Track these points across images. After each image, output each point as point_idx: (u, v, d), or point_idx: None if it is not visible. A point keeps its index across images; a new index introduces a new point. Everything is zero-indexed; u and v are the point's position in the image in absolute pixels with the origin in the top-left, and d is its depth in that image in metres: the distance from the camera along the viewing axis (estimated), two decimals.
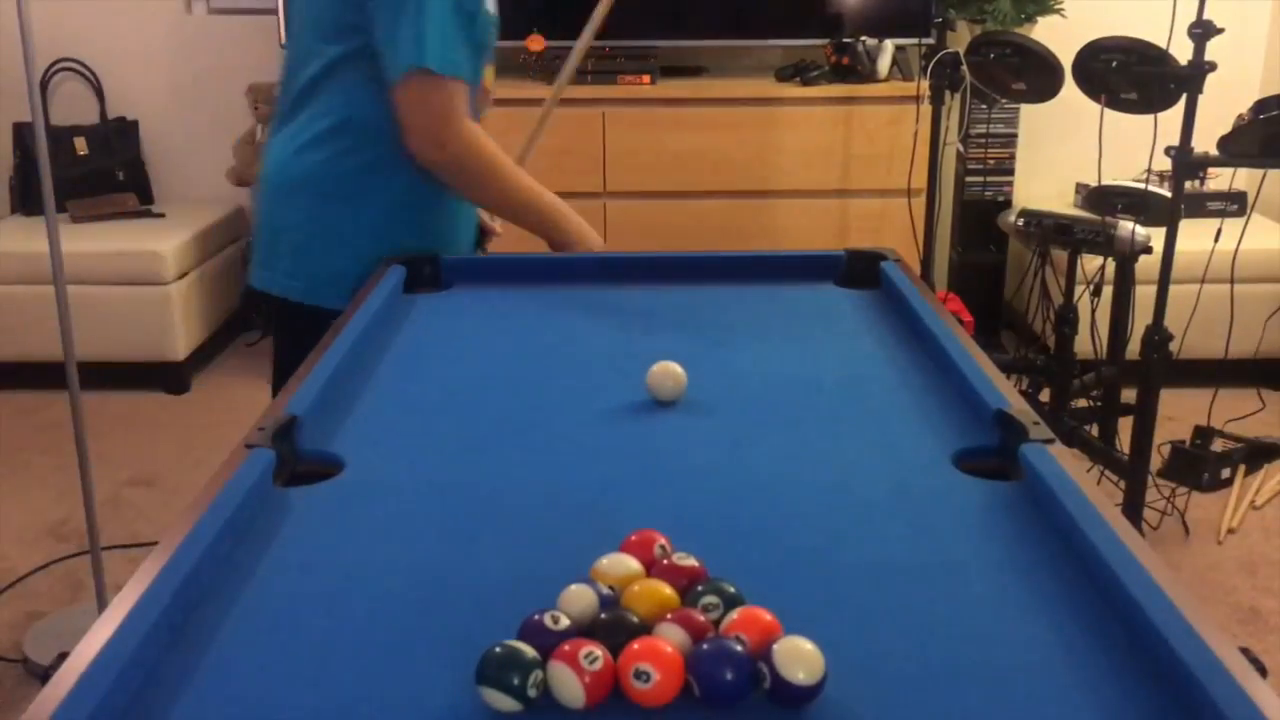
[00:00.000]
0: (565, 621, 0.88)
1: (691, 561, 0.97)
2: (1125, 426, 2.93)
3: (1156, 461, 2.92)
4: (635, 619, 0.89)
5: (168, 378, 3.88)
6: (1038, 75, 3.06)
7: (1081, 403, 3.12)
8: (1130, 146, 2.91)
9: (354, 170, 1.85)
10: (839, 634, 0.92)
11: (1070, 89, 2.88)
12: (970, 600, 0.98)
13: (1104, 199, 3.08)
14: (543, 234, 1.94)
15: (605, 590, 0.93)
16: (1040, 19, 3.87)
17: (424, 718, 0.84)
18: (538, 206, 1.90)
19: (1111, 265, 3.03)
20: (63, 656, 0.88)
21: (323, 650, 0.92)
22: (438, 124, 1.76)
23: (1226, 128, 2.67)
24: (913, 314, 1.65)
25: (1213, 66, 2.49)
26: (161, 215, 4.07)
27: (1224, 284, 3.01)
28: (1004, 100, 3.62)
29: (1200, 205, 3.81)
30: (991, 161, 4.01)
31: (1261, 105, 2.56)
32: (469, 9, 1.78)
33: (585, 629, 0.89)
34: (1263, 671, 2.28)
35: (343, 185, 1.86)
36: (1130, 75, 2.65)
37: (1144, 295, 2.87)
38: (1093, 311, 3.08)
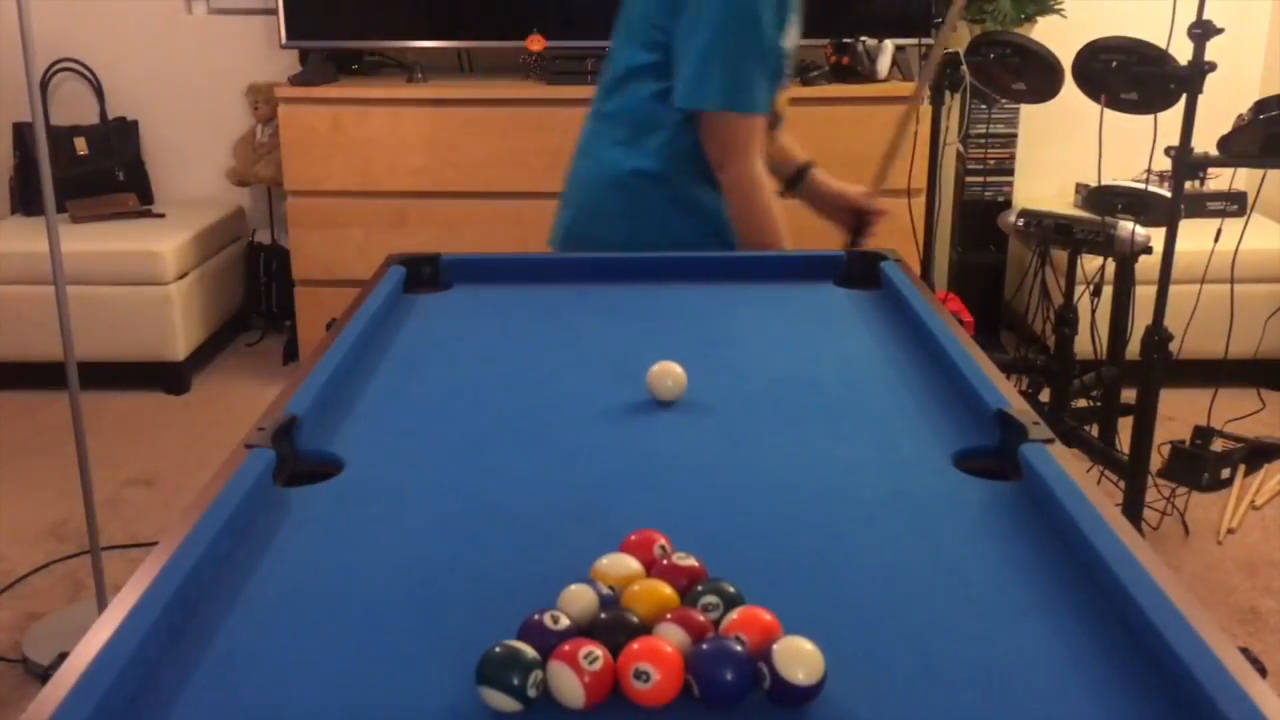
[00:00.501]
0: (565, 621, 0.88)
1: (691, 561, 0.97)
2: (1125, 426, 2.92)
3: (1156, 461, 2.92)
4: (635, 619, 0.89)
5: (168, 378, 3.88)
6: (1038, 75, 3.06)
7: (1081, 403, 3.11)
8: (1130, 146, 2.91)
9: (652, 172, 2.00)
10: (839, 634, 0.92)
11: (1070, 89, 2.88)
12: (969, 600, 0.98)
13: (1104, 199, 3.08)
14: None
15: (605, 590, 0.93)
16: (1040, 19, 3.87)
17: (424, 718, 0.84)
18: (765, 244, 2.04)
19: (1111, 265, 3.03)
20: (63, 656, 0.88)
21: (322, 650, 0.92)
22: (727, 153, 1.95)
23: (1226, 128, 2.66)
24: (913, 314, 1.64)
25: (1213, 66, 2.49)
26: (161, 215, 4.07)
27: (1224, 284, 3.00)
28: (1004, 100, 3.62)
29: (1200, 205, 3.81)
30: (991, 161, 4.01)
31: (1261, 105, 2.56)
32: (770, 48, 1.93)
33: (585, 629, 0.89)
34: (1263, 671, 2.28)
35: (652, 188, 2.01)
36: (1130, 75, 2.64)
37: (1144, 295, 2.87)
38: (1093, 311, 3.07)
